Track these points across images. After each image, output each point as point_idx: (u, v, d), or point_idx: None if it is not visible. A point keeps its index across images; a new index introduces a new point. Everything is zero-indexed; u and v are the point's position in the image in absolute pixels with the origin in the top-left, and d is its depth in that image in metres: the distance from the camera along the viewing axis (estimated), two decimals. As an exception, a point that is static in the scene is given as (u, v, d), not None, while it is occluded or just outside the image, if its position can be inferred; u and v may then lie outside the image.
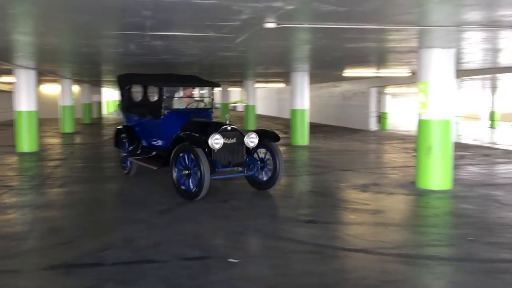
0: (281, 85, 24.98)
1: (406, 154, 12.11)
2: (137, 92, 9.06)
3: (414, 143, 7.73)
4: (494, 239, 5.04)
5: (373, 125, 20.75)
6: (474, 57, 10.38)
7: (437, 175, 7.59)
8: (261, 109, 31.90)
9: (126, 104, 9.34)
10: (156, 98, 8.21)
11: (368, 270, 4.18)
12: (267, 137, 7.37)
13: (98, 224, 5.75)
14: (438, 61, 7.57)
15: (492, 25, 5.82)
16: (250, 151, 7.31)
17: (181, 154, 6.88)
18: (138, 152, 8.56)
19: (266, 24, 5.14)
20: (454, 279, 4.06)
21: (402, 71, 14.06)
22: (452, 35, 6.89)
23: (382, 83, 19.22)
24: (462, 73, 14.18)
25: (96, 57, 9.85)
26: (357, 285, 3.84)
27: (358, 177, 8.79)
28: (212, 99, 8.76)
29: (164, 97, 7.95)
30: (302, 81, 14.65)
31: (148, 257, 4.49)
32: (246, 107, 21.54)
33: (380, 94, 21.63)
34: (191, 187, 6.74)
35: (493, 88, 25.04)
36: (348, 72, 14.67)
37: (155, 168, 7.56)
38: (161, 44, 7.41)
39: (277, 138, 7.41)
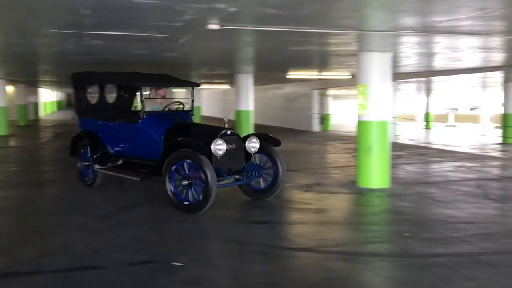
0: (226, 86, 24.98)
1: (347, 154, 12.48)
2: (96, 93, 8.19)
3: (355, 143, 7.96)
4: (429, 234, 5.30)
5: (316, 126, 21.21)
6: (410, 60, 10.87)
7: (376, 174, 7.88)
8: (206, 111, 31.76)
9: (83, 106, 8.33)
10: (126, 99, 7.67)
11: (312, 268, 4.27)
12: (267, 141, 6.81)
13: (36, 230, 5.50)
14: (376, 65, 7.87)
15: (426, 30, 6.12)
16: (250, 157, 6.72)
17: (177, 163, 6.15)
18: (106, 161, 7.57)
19: (210, 25, 5.13)
20: (391, 274, 4.23)
21: (343, 74, 14.49)
22: (389, 40, 7.18)
23: (324, 85, 19.70)
24: (399, 76, 14.80)
25: (31, 56, 9.41)
26: (302, 283, 3.92)
27: (302, 177, 8.95)
28: (193, 100, 7.84)
29: (143, 98, 7.13)
30: (246, 82, 14.74)
31: (89, 263, 4.35)
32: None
33: (323, 96, 22.16)
34: (195, 198, 6.05)
35: (428, 90, 26.33)
36: (292, 74, 14.92)
37: (137, 179, 6.77)
38: (101, 43, 7.20)
39: (278, 143, 6.89)
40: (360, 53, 8.05)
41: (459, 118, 34.26)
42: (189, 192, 6.10)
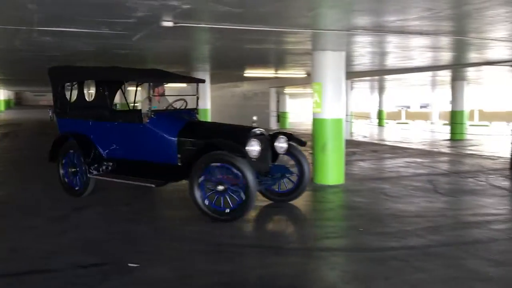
0: (183, 84, 24.73)
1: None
2: (82, 90, 7.60)
3: (311, 141, 8.07)
4: (382, 229, 5.44)
5: (273, 124, 21.37)
6: (364, 59, 11.14)
7: (331, 171, 8.02)
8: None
9: (65, 105, 7.38)
10: (124, 97, 7.40)
11: (268, 265, 4.29)
12: (291, 141, 6.46)
13: (-19, 235, 5.25)
14: (330, 63, 8.00)
15: (378, 30, 6.28)
16: (276, 157, 6.37)
17: (207, 167, 5.59)
18: (99, 166, 6.71)
19: (163, 22, 5.07)
20: (346, 268, 4.31)
21: (298, 73, 14.66)
22: (343, 39, 7.33)
23: (281, 83, 19.88)
24: (353, 74, 15.13)
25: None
26: (257, 280, 3.93)
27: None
28: (198, 98, 7.22)
29: (152, 96, 6.47)
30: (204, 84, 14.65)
31: (39, 267, 4.19)
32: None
33: (280, 94, 22.36)
34: (231, 205, 5.55)
35: (381, 89, 27.05)
36: (249, 73, 14.96)
37: (152, 186, 6.18)
38: (50, 40, 6.96)
39: (303, 143, 6.66)
40: (315, 52, 8.16)
41: (411, 116, 35.39)
42: (222, 199, 5.60)
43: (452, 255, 4.50)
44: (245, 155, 5.54)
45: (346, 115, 15.23)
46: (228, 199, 5.57)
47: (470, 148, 14.55)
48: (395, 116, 34.78)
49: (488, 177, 8.70)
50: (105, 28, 5.79)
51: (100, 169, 6.69)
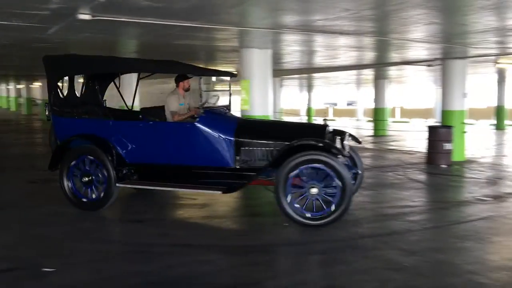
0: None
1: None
2: (95, 84, 6.52)
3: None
4: (306, 223, 5.56)
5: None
6: (291, 58, 11.35)
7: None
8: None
9: (70, 102, 6.32)
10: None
11: (192, 264, 4.24)
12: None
13: None
14: (257, 61, 8.08)
15: (301, 29, 6.41)
16: None
17: (295, 170, 5.13)
18: (129, 173, 5.88)
19: (80, 15, 4.85)
20: (271, 263, 4.35)
21: (228, 70, 14.66)
22: (268, 37, 7.41)
23: (211, 80, 19.74)
24: (283, 72, 15.38)
25: None
26: (180, 280, 3.87)
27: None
28: (230, 94, 6.48)
29: (203, 91, 5.82)
30: (130, 76, 14.20)
31: None
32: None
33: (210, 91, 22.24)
34: (324, 208, 5.16)
35: (309, 86, 27.73)
36: (177, 69, 14.72)
37: (219, 192, 5.54)
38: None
39: (359, 141, 6.54)
40: (242, 49, 8.20)
41: (338, 113, 36.58)
42: (313, 202, 5.22)
43: (371, 247, 4.69)
44: (342, 154, 5.35)
45: (275, 112, 15.46)
46: (321, 202, 5.21)
47: (391, 143, 15.28)
48: (323, 113, 35.81)
49: (406, 171, 9.18)
50: (16, 19, 5.44)
51: (129, 177, 5.87)
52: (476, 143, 14.14)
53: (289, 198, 5.15)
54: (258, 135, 5.63)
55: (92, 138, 5.86)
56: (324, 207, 5.16)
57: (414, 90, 33.00)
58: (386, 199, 6.98)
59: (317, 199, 5.19)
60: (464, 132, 10.54)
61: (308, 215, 5.17)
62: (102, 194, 5.78)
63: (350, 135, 6.15)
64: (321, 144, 5.22)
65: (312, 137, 5.35)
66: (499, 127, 21.29)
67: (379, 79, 18.72)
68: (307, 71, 16.18)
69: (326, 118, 6.07)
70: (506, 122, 21.86)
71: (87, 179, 5.87)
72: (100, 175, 5.78)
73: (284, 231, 5.25)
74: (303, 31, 6.67)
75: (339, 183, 5.02)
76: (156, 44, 8.25)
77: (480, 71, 16.21)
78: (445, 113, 10.57)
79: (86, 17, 4.88)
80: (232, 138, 5.58)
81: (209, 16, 5.53)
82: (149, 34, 7.01)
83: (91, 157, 5.77)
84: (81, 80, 6.39)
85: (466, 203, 6.52)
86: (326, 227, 5.14)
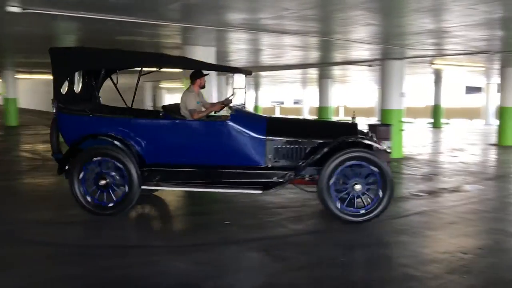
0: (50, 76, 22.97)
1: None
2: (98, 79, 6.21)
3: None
4: (248, 221, 5.57)
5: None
6: (237, 55, 11.35)
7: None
8: (26, 103, 28.74)
9: (80, 97, 5.94)
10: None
11: (133, 265, 4.13)
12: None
13: None
14: (200, 58, 7.98)
15: (247, 27, 6.41)
16: None
17: (338, 168, 5.17)
18: (153, 174, 5.56)
19: (9, 7, 4.60)
20: (207, 262, 4.32)
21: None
22: (212, 34, 7.36)
23: (156, 77, 19.42)
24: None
25: None
26: (119, 282, 3.77)
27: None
28: (246, 92, 6.21)
29: (234, 90, 5.71)
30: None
31: None
32: (5, 100, 19.18)
33: (156, 88, 21.87)
34: (365, 206, 5.27)
35: (257, 85, 27.91)
36: (120, 66, 14.33)
37: (259, 192, 5.45)
38: None
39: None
40: (185, 47, 8.11)
41: (285, 111, 37.04)
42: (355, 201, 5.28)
43: (310, 243, 4.78)
44: (386, 151, 5.45)
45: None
46: (363, 199, 5.30)
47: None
48: (271, 111, 36.15)
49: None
50: None
51: (151, 178, 5.54)
52: (414, 140, 14.75)
53: (336, 200, 5.22)
54: (290, 134, 5.59)
55: (110, 137, 5.48)
56: (364, 203, 5.30)
57: (357, 89, 33.98)
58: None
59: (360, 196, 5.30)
60: (402, 130, 10.95)
61: (362, 211, 5.27)
62: (121, 198, 5.45)
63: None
64: (367, 142, 5.34)
65: (348, 135, 5.41)
66: (436, 125, 22.35)
67: (323, 79, 19.12)
68: (254, 69, 16.24)
69: (354, 116, 6.22)
70: (442, 120, 22.98)
71: (104, 182, 5.45)
72: (118, 178, 5.45)
73: (227, 229, 5.24)
74: (246, 30, 6.68)
75: (380, 179, 5.17)
76: (97, 39, 7.99)
77: (418, 72, 16.93)
78: (384, 112, 10.95)
79: (16, 9, 4.64)
80: (263, 137, 5.51)
81: (148, 11, 5.41)
82: (87, 29, 6.78)
83: (109, 159, 5.40)
84: (77, 76, 6.02)
85: (403, 198, 6.76)
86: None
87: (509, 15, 6.03)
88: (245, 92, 6.11)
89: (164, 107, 6.14)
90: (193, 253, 4.49)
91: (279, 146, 5.55)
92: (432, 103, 23.06)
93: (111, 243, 4.72)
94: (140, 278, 3.84)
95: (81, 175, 5.41)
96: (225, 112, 6.46)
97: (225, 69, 6.69)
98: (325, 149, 5.26)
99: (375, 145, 5.39)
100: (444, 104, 23.58)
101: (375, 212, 5.22)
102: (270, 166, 5.54)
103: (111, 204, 5.44)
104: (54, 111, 5.60)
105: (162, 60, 6.27)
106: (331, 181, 5.19)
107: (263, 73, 19.33)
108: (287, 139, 5.53)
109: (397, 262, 4.26)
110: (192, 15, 5.91)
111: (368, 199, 5.33)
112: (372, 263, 4.24)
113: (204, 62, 6.31)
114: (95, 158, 5.41)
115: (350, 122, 5.93)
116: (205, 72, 6.03)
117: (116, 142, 5.43)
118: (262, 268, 4.10)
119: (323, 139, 5.44)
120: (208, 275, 3.91)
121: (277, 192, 6.98)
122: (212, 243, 4.83)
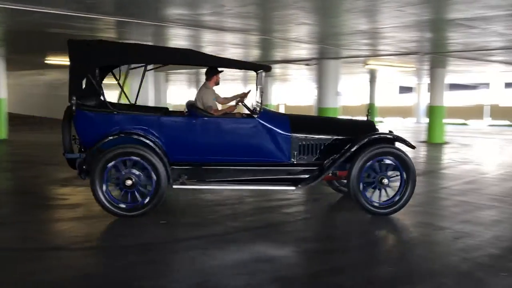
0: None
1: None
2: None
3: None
4: (186, 219, 5.52)
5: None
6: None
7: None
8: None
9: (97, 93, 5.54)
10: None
11: (61, 268, 3.96)
12: None
13: None
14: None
15: (187, 23, 6.32)
16: None
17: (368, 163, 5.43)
18: (182, 173, 5.49)
19: None
20: (152, 264, 4.23)
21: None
22: (148, 29, 7.21)
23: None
24: (168, 67, 15.09)
25: None
26: (45, 286, 3.60)
27: (61, 171, 8.31)
28: (262, 90, 5.95)
29: (259, 86, 5.70)
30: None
31: None
32: None
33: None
34: (390, 199, 5.58)
35: (197, 82, 27.66)
36: (52, 60, 13.73)
37: (293, 188, 5.56)
38: None
39: None
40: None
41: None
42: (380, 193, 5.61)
43: (246, 240, 4.79)
44: (411, 146, 5.82)
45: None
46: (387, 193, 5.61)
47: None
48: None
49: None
50: None
51: (179, 177, 5.45)
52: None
53: (364, 193, 5.48)
54: (314, 130, 5.77)
55: (136, 135, 5.31)
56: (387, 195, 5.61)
57: (297, 88, 34.56)
58: (265, 193, 7.14)
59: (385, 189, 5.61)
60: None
61: (389, 203, 5.58)
62: (148, 198, 5.31)
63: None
64: (394, 137, 5.69)
65: (368, 132, 5.70)
66: (371, 123, 23.17)
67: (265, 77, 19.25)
68: (193, 66, 16.06)
69: (369, 114, 6.40)
70: (376, 119, 23.89)
71: (130, 182, 5.24)
72: (144, 177, 5.31)
73: (162, 229, 5.15)
74: (184, 26, 6.60)
75: (404, 174, 5.49)
76: (25, 31, 7.58)
77: (354, 71, 17.49)
78: (320, 110, 11.20)
79: None
80: (289, 134, 5.64)
81: (78, 3, 5.21)
82: (12, 20, 6.42)
83: (135, 158, 5.22)
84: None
85: (335, 194, 6.94)
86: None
87: (436, 18, 6.34)
88: (262, 90, 5.91)
89: (188, 104, 5.95)
90: (130, 254, 4.36)
91: (303, 143, 5.72)
92: (368, 102, 23.91)
93: (39, 246, 4.51)
94: (69, 282, 3.69)
95: (101, 178, 5.20)
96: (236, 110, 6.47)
97: (250, 66, 6.48)
98: (356, 146, 5.51)
99: (405, 141, 5.74)
100: (379, 103, 24.50)
101: (400, 204, 5.54)
102: (295, 162, 5.70)
103: (137, 205, 5.33)
104: (73, 108, 5.34)
105: (191, 56, 6.04)
106: (362, 176, 5.45)
107: (203, 70, 19.18)
108: (311, 136, 5.73)
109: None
110: (128, 8, 5.75)
111: (391, 192, 5.64)
112: (307, 258, 4.32)
113: (231, 59, 6.35)
114: (119, 158, 5.21)
115: (367, 120, 6.21)
116: (220, 69, 6.01)
117: (145, 141, 5.29)
118: (197, 267, 4.05)
119: (344, 136, 5.74)
120: (144, 276, 3.80)
121: (213, 190, 6.96)
122: (149, 243, 4.72)
